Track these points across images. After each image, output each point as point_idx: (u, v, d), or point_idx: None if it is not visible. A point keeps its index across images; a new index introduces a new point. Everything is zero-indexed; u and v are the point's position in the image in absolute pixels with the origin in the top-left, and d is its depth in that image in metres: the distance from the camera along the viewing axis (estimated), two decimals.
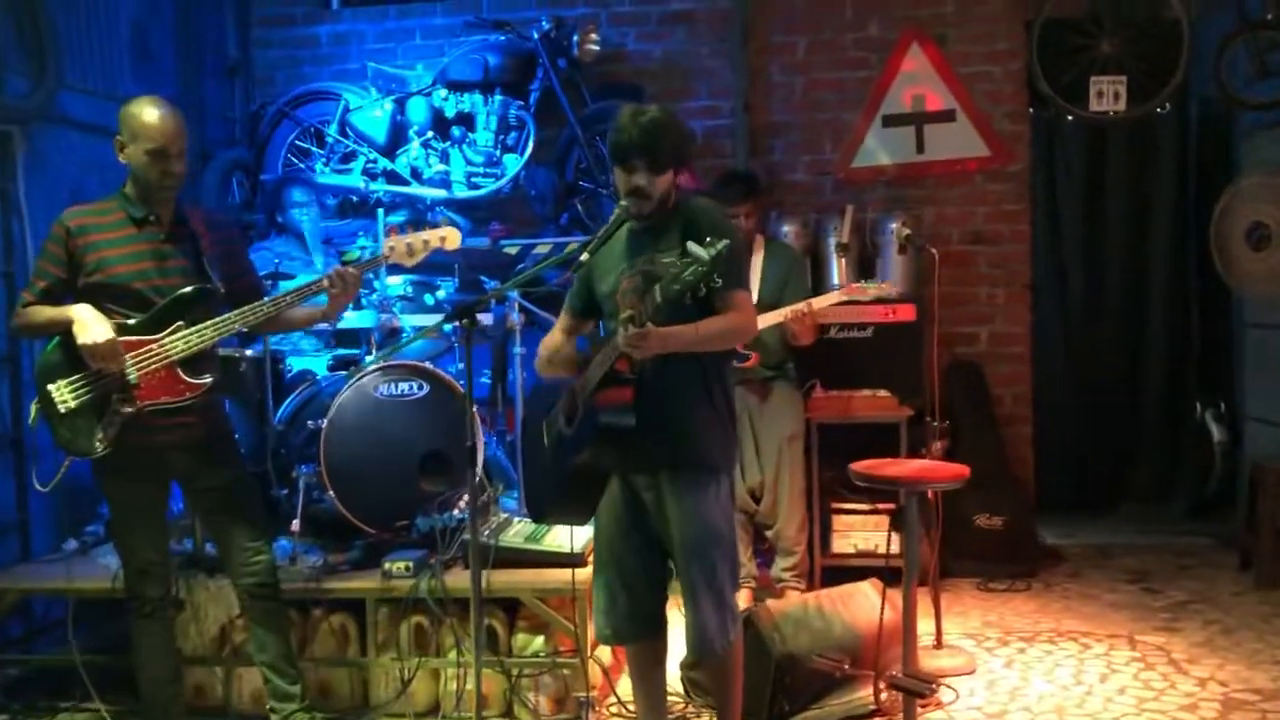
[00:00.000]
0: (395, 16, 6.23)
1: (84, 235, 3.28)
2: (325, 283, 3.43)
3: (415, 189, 5.64)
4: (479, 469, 4.13)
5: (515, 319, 4.63)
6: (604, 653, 3.86)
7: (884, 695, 3.51)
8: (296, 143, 5.85)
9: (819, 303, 4.50)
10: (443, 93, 5.67)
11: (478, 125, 5.63)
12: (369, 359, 4.39)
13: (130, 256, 3.30)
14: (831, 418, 5.04)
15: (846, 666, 3.46)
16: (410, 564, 3.81)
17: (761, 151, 6.01)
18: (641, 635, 3.13)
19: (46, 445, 3.50)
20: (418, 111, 5.70)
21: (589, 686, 3.69)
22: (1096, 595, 4.98)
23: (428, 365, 4.25)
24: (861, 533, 5.10)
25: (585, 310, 3.22)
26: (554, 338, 3.25)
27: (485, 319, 4.72)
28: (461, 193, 5.61)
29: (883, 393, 5.09)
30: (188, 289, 3.32)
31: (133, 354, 3.25)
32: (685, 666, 3.72)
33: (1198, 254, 6.09)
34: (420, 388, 4.15)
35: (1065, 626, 4.54)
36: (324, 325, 4.31)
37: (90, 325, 3.18)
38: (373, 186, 5.62)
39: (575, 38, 5.54)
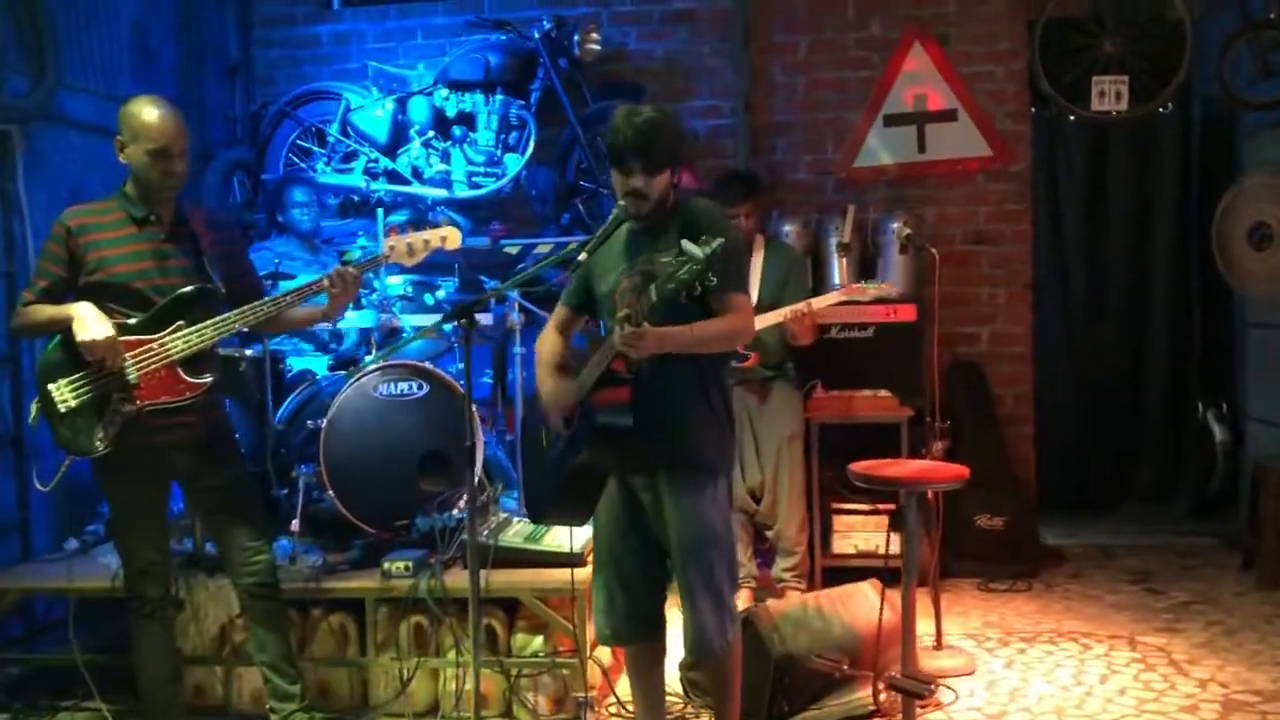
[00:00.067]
0: (396, 16, 6.23)
1: (84, 234, 3.28)
2: (325, 283, 3.43)
3: (416, 189, 5.64)
4: (478, 469, 4.15)
5: (515, 319, 4.63)
6: (603, 653, 3.86)
7: (883, 696, 3.50)
8: (298, 142, 5.85)
9: (818, 303, 4.49)
10: (444, 92, 5.67)
11: (479, 125, 5.63)
12: (368, 359, 4.38)
13: (131, 256, 3.30)
14: (832, 418, 5.04)
15: (845, 667, 3.45)
16: (410, 564, 3.81)
17: (763, 151, 6.00)
18: (640, 636, 3.13)
19: (47, 444, 3.49)
20: (419, 111, 5.69)
21: (588, 686, 3.69)
22: (1098, 596, 4.97)
23: (427, 365, 4.25)
24: (862, 533, 5.10)
25: (581, 306, 3.22)
26: (550, 336, 3.24)
27: (485, 319, 4.72)
28: (462, 192, 5.60)
29: (883, 393, 5.09)
30: (188, 288, 3.32)
31: (133, 353, 3.25)
32: (684, 667, 3.71)
33: (1200, 254, 6.08)
34: (420, 387, 4.15)
35: (1066, 627, 4.54)
36: (324, 325, 4.31)
37: (90, 323, 3.18)
38: (374, 186, 5.62)
39: (576, 37, 5.54)
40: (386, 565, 3.82)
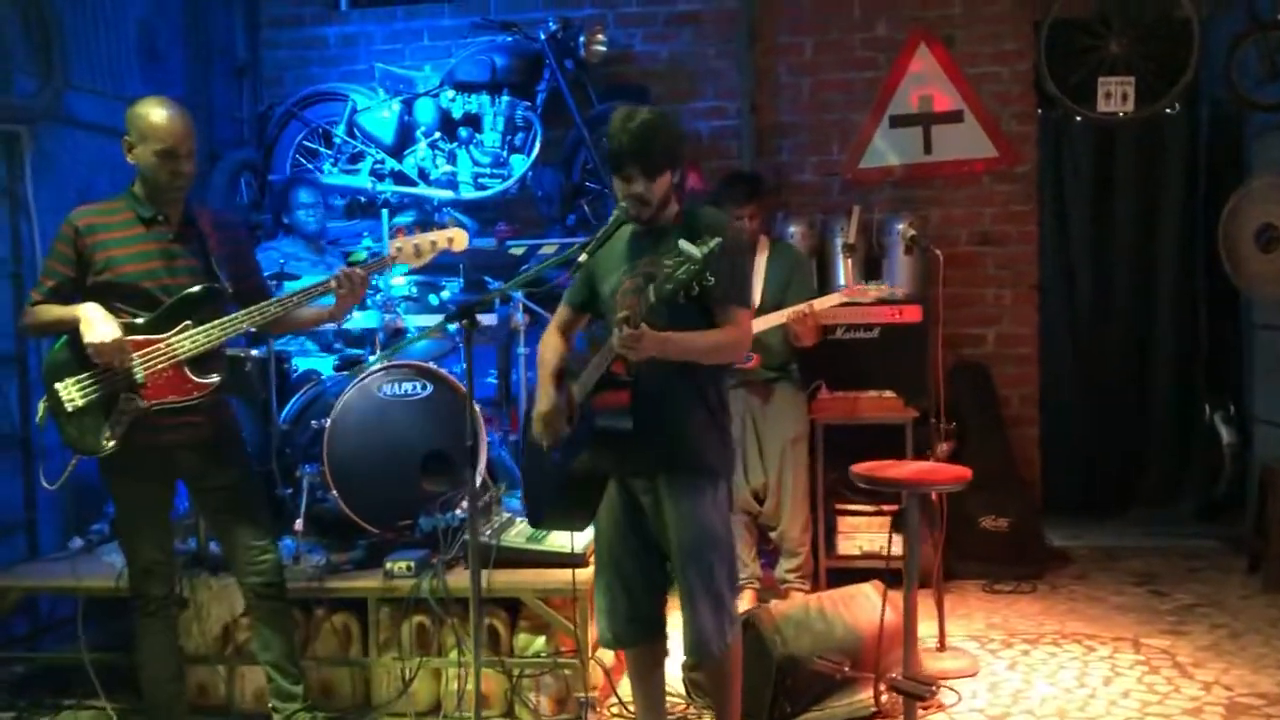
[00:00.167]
0: (403, 17, 6.25)
1: (92, 234, 3.29)
2: (332, 283, 3.44)
3: (422, 190, 5.65)
4: (480, 469, 4.16)
5: (520, 319, 4.64)
6: (605, 653, 3.86)
7: (884, 698, 3.50)
8: (304, 143, 5.87)
9: (819, 304, 4.49)
10: (450, 94, 5.68)
11: (485, 126, 5.64)
12: (372, 359, 4.39)
13: (138, 256, 3.31)
14: (837, 419, 5.03)
15: (847, 668, 3.45)
16: (412, 564, 3.81)
17: (768, 152, 6.00)
18: (641, 638, 3.13)
19: (54, 443, 3.51)
20: (425, 112, 5.71)
21: (590, 687, 3.69)
22: (1102, 598, 4.96)
23: (431, 365, 4.25)
24: (866, 534, 5.09)
25: (583, 305, 3.23)
26: (552, 337, 3.25)
27: (490, 319, 4.73)
28: (468, 193, 5.62)
29: (888, 394, 5.08)
30: (195, 288, 3.33)
31: (140, 353, 3.26)
32: (686, 668, 3.71)
33: (1207, 255, 6.05)
34: (424, 388, 4.16)
35: (1070, 629, 4.52)
36: (330, 325, 4.32)
37: (97, 324, 3.19)
38: (380, 187, 5.63)
39: (582, 39, 5.55)
40: (389, 565, 3.83)
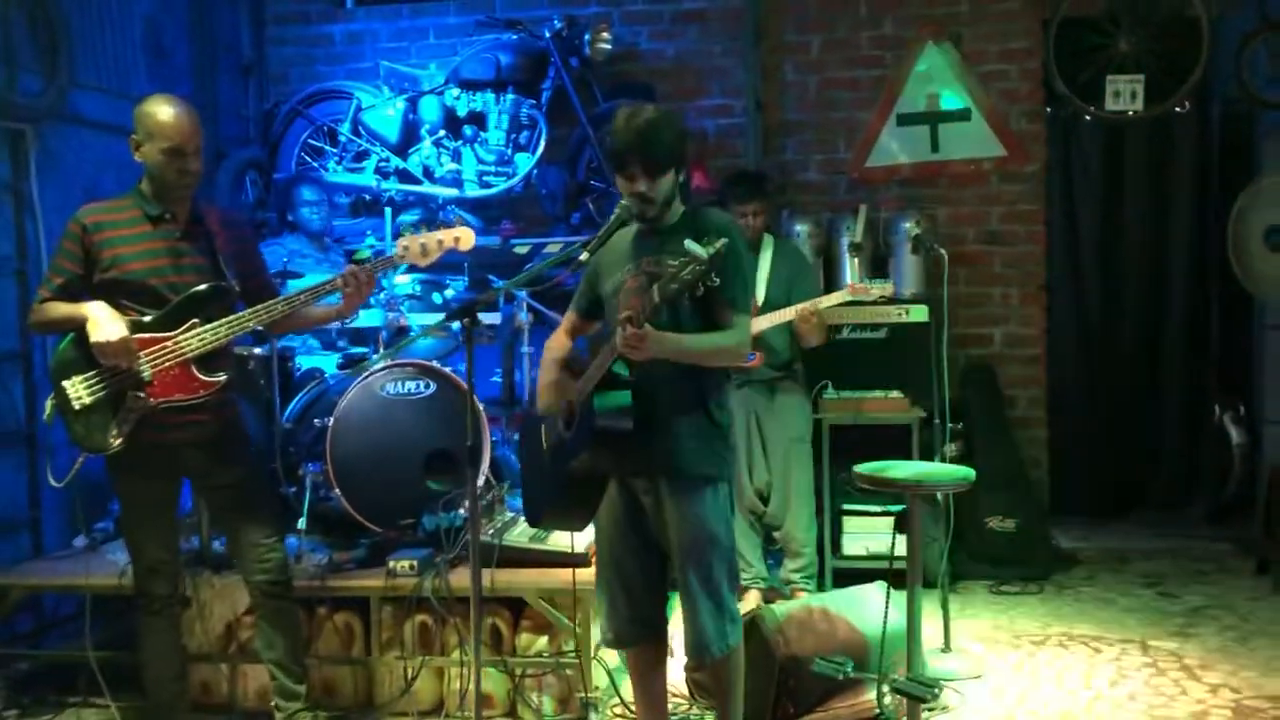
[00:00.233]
0: (409, 15, 6.25)
1: (100, 232, 3.28)
2: (339, 282, 3.44)
3: (427, 188, 5.65)
4: (484, 468, 4.15)
5: (524, 319, 4.63)
6: (608, 653, 3.84)
7: (887, 699, 3.48)
8: (310, 141, 5.88)
9: (825, 303, 4.47)
10: (455, 91, 5.68)
11: (489, 124, 5.63)
12: (375, 357, 4.39)
13: (146, 254, 3.30)
14: (843, 419, 5.01)
15: (850, 670, 3.42)
16: (415, 563, 3.80)
17: (775, 151, 5.98)
18: (641, 638, 3.12)
19: (61, 441, 3.49)
20: (430, 110, 5.70)
21: (593, 687, 3.68)
22: (1110, 599, 4.93)
23: (434, 364, 4.25)
24: (872, 535, 5.06)
25: (590, 310, 3.21)
26: (557, 340, 3.24)
27: (494, 318, 4.72)
28: (473, 192, 5.61)
29: (895, 394, 5.06)
30: (202, 286, 3.32)
31: (147, 351, 3.25)
32: (689, 669, 3.69)
33: (1218, 256, 6.01)
34: (427, 386, 4.15)
35: (1077, 631, 4.50)
36: (334, 324, 4.32)
37: (103, 323, 3.18)
38: (385, 185, 5.63)
39: (587, 36, 5.54)
40: (392, 564, 3.82)
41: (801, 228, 5.51)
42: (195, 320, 3.30)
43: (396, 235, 4.61)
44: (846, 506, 5.11)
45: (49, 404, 3.33)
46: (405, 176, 5.68)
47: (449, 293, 4.97)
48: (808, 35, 5.96)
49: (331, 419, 4.04)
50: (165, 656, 3.51)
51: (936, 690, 3.33)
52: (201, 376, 3.32)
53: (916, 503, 3.41)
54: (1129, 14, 5.53)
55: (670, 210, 3.01)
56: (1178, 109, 5.72)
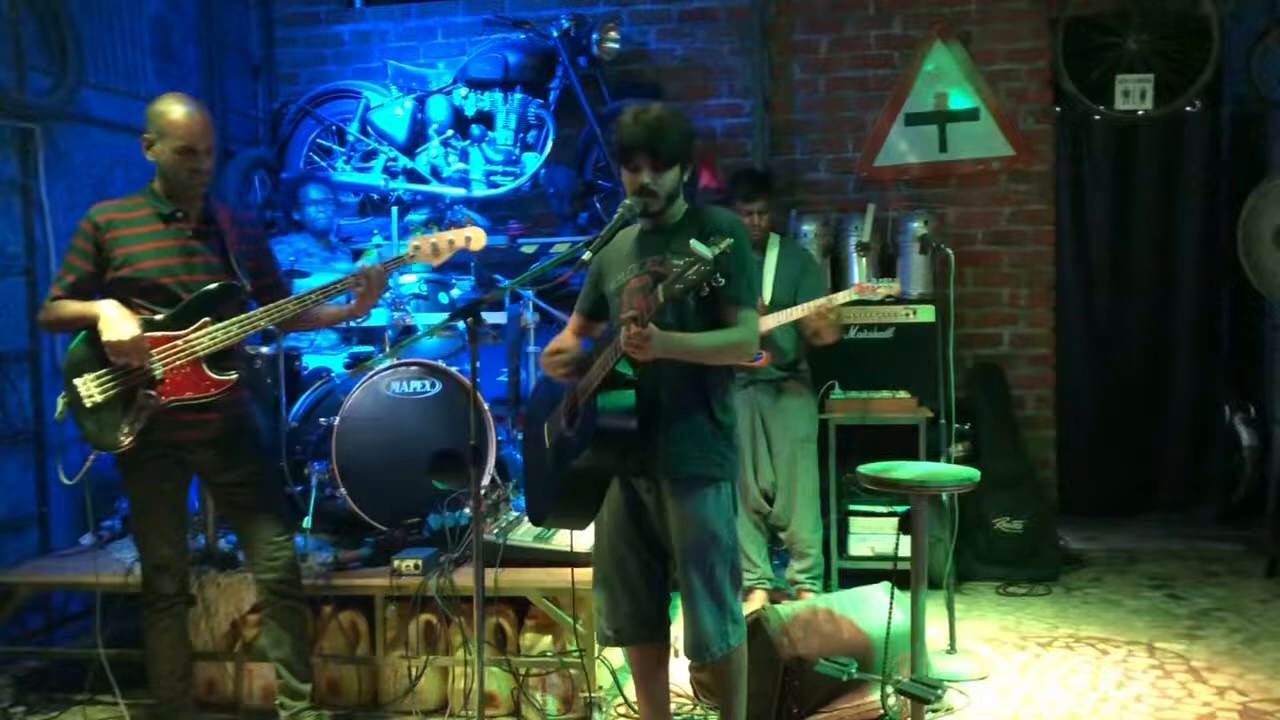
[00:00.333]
0: (417, 15, 6.27)
1: (112, 230, 3.29)
2: (353, 280, 3.44)
3: (435, 187, 5.66)
4: (488, 468, 4.15)
5: (530, 318, 4.63)
6: (612, 653, 3.84)
7: (891, 700, 3.47)
8: (318, 141, 5.89)
9: (838, 299, 4.46)
10: (463, 91, 5.69)
11: (497, 124, 5.65)
12: (379, 356, 4.39)
13: (157, 252, 3.31)
14: (850, 419, 5.00)
15: (853, 671, 3.42)
16: (419, 562, 3.80)
17: (783, 150, 5.98)
18: (643, 637, 3.11)
19: (72, 438, 3.51)
20: (438, 110, 5.71)
21: (597, 687, 3.67)
22: (1118, 601, 4.91)
23: (440, 364, 4.25)
24: (879, 535, 5.05)
25: (594, 310, 3.21)
26: (562, 338, 3.23)
27: (499, 318, 4.72)
28: (480, 191, 5.62)
29: (902, 394, 5.04)
30: (213, 285, 3.33)
31: (158, 349, 3.26)
32: (693, 669, 3.69)
33: (1229, 256, 5.98)
34: (433, 386, 4.16)
35: (1084, 632, 4.48)
36: (350, 322, 4.32)
37: (115, 322, 3.19)
38: (393, 185, 5.64)
39: (595, 36, 5.55)
40: (396, 563, 3.82)
41: (809, 227, 5.50)
42: (207, 319, 3.31)
43: (403, 235, 4.63)
44: (853, 507, 5.10)
45: (61, 402, 3.34)
46: (413, 176, 5.69)
47: (455, 292, 4.97)
48: (816, 34, 5.95)
49: (337, 418, 4.05)
50: (171, 655, 3.51)
51: (940, 691, 3.33)
52: (212, 375, 3.33)
53: (921, 503, 3.40)
54: (1138, 13, 5.51)
55: (674, 208, 3.01)
56: (1188, 108, 5.69)
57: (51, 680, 4.14)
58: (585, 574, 3.57)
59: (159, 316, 3.28)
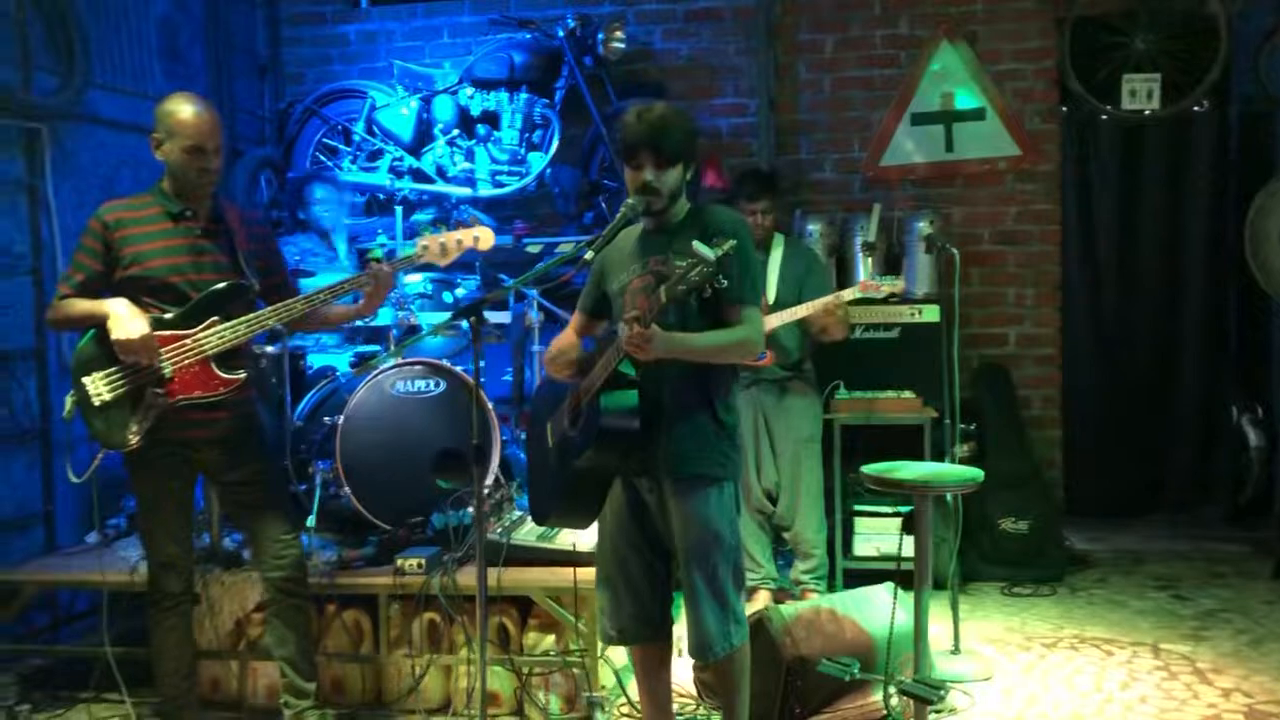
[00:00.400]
0: (423, 15, 6.28)
1: (121, 229, 3.30)
2: (363, 280, 3.45)
3: (441, 187, 5.66)
4: (493, 467, 4.16)
5: (534, 317, 4.63)
6: (615, 652, 3.84)
7: (894, 701, 3.46)
8: (324, 140, 5.90)
9: (845, 295, 4.46)
10: (468, 91, 5.69)
11: (503, 123, 5.65)
12: (383, 356, 4.40)
13: (166, 251, 3.32)
14: (855, 419, 4.99)
15: (856, 671, 3.41)
16: (423, 561, 3.81)
17: (788, 150, 5.98)
18: (646, 636, 3.11)
19: (80, 437, 3.51)
20: (444, 110, 5.72)
21: (600, 686, 3.68)
22: (1123, 602, 4.89)
23: (445, 363, 4.25)
24: (884, 535, 5.04)
25: (596, 309, 3.21)
26: (564, 337, 3.24)
27: (503, 317, 4.72)
28: (486, 191, 5.62)
29: (907, 394, 5.03)
30: (222, 284, 3.34)
31: (167, 348, 3.27)
32: (696, 668, 3.69)
33: (1236, 255, 5.96)
34: (437, 385, 4.16)
35: (1089, 633, 4.47)
36: (358, 322, 4.33)
37: (125, 320, 3.20)
38: (398, 184, 5.64)
39: (601, 36, 5.55)
40: (400, 562, 3.82)
41: (815, 227, 5.50)
42: (215, 318, 3.32)
43: (410, 234, 4.64)
44: (858, 507, 5.09)
45: (69, 400, 3.34)
46: (419, 176, 5.70)
47: (460, 291, 4.98)
48: (822, 34, 5.95)
49: (342, 417, 4.05)
50: (177, 653, 3.52)
51: (942, 692, 3.32)
52: (221, 374, 3.34)
53: (924, 504, 3.39)
54: (1145, 12, 5.49)
55: (676, 207, 3.01)
56: (1195, 108, 5.67)
57: (57, 678, 4.15)
58: (588, 573, 3.56)
59: (168, 315, 3.29)
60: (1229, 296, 6.26)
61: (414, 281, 4.80)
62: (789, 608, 3.69)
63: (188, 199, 3.35)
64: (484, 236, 3.63)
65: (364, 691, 3.93)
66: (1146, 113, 5.57)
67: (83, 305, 3.28)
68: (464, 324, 4.03)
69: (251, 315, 3.36)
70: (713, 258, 2.62)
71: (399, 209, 4.89)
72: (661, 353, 2.77)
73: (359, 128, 5.78)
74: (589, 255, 2.92)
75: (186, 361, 3.29)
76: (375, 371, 4.14)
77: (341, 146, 5.85)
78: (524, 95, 5.61)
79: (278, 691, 3.65)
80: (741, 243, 2.80)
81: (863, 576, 4.59)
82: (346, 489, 4.03)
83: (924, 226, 5.32)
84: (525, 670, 3.76)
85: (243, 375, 3.39)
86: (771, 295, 4.58)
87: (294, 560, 3.52)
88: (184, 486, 3.48)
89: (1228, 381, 6.27)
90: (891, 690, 3.45)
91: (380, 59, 6.25)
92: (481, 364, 3.05)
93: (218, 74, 5.90)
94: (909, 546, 4.65)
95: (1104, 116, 5.74)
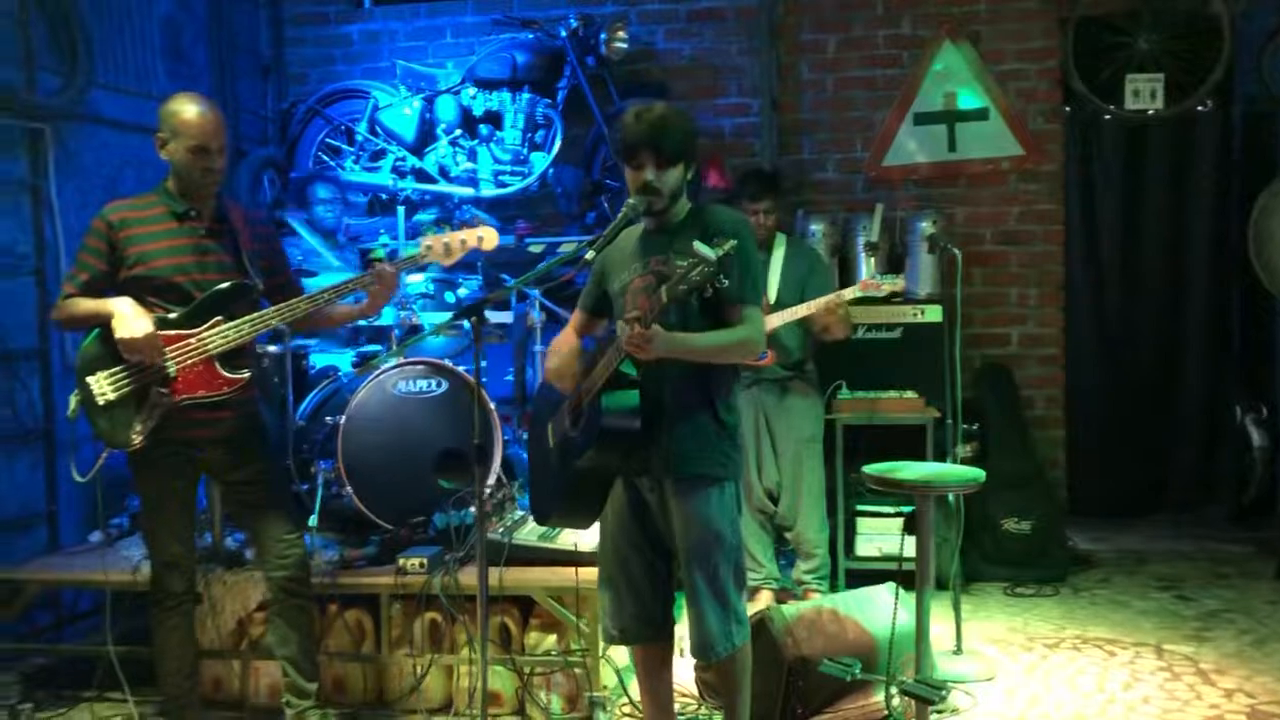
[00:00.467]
0: (426, 15, 6.29)
1: (125, 228, 3.31)
2: (368, 280, 3.46)
3: (443, 187, 5.66)
4: (495, 467, 4.16)
5: (536, 317, 4.63)
6: (617, 652, 3.84)
7: (896, 701, 3.46)
8: (327, 140, 5.91)
9: (846, 294, 4.46)
10: (471, 91, 5.70)
11: (505, 123, 5.65)
12: (384, 355, 4.41)
13: (170, 250, 3.33)
14: (857, 419, 4.99)
15: (857, 671, 3.41)
16: (425, 561, 3.81)
17: (791, 150, 5.98)
18: (647, 636, 3.11)
19: (84, 436, 3.52)
20: (446, 110, 5.72)
21: (600, 686, 3.68)
22: (1126, 602, 4.89)
23: (446, 363, 4.26)
24: (886, 535, 5.04)
25: (597, 308, 3.21)
26: (565, 337, 3.24)
27: (504, 317, 4.73)
28: (489, 191, 5.63)
29: (910, 394, 5.03)
30: (225, 284, 3.34)
31: (171, 348, 3.28)
32: (698, 669, 3.69)
33: (1240, 255, 5.95)
34: (439, 385, 4.16)
35: (1091, 633, 4.46)
36: (361, 322, 4.33)
37: (129, 320, 3.20)
38: (401, 184, 5.64)
39: (603, 35, 5.56)
40: (402, 562, 3.82)
41: (817, 227, 5.50)
42: (220, 317, 3.33)
43: (412, 234, 4.64)
44: (860, 507, 5.09)
45: (73, 399, 3.35)
46: (421, 176, 5.70)
47: (462, 291, 4.99)
48: (824, 34, 5.95)
49: (343, 417, 4.06)
50: (179, 652, 3.53)
51: (944, 692, 3.31)
52: (225, 373, 3.35)
53: (926, 504, 3.39)
54: (1149, 12, 5.48)
55: (677, 207, 3.01)
56: (1198, 108, 5.66)
57: (60, 677, 4.16)
58: (590, 573, 3.57)
59: (172, 315, 3.30)
60: (1232, 296, 6.26)
61: (416, 281, 4.80)
62: (791, 608, 3.69)
63: (192, 199, 3.36)
64: (488, 236, 3.63)
65: (365, 691, 3.93)
66: (1150, 113, 5.56)
67: (87, 305, 3.28)
68: (466, 324, 4.05)
69: (255, 315, 3.37)
70: (713, 257, 2.62)
71: (401, 209, 4.89)
72: (662, 352, 2.77)
73: (362, 128, 5.78)
74: (590, 255, 2.92)
75: (190, 361, 3.29)
76: (377, 371, 4.15)
77: (344, 146, 5.86)
78: (526, 95, 5.62)
79: (280, 691, 3.66)
80: (742, 242, 2.81)
81: (865, 576, 4.59)
82: (348, 488, 4.04)
83: (927, 226, 5.31)
84: (527, 670, 3.76)
85: (246, 375, 3.39)
86: (773, 295, 4.58)
87: (297, 560, 3.53)
88: (187, 486, 3.49)
89: (1231, 381, 6.26)
90: (893, 690, 3.44)
91: (383, 59, 6.25)
92: (483, 364, 3.05)
93: (221, 74, 5.90)
94: (911, 547, 4.67)
95: (1107, 116, 5.73)
